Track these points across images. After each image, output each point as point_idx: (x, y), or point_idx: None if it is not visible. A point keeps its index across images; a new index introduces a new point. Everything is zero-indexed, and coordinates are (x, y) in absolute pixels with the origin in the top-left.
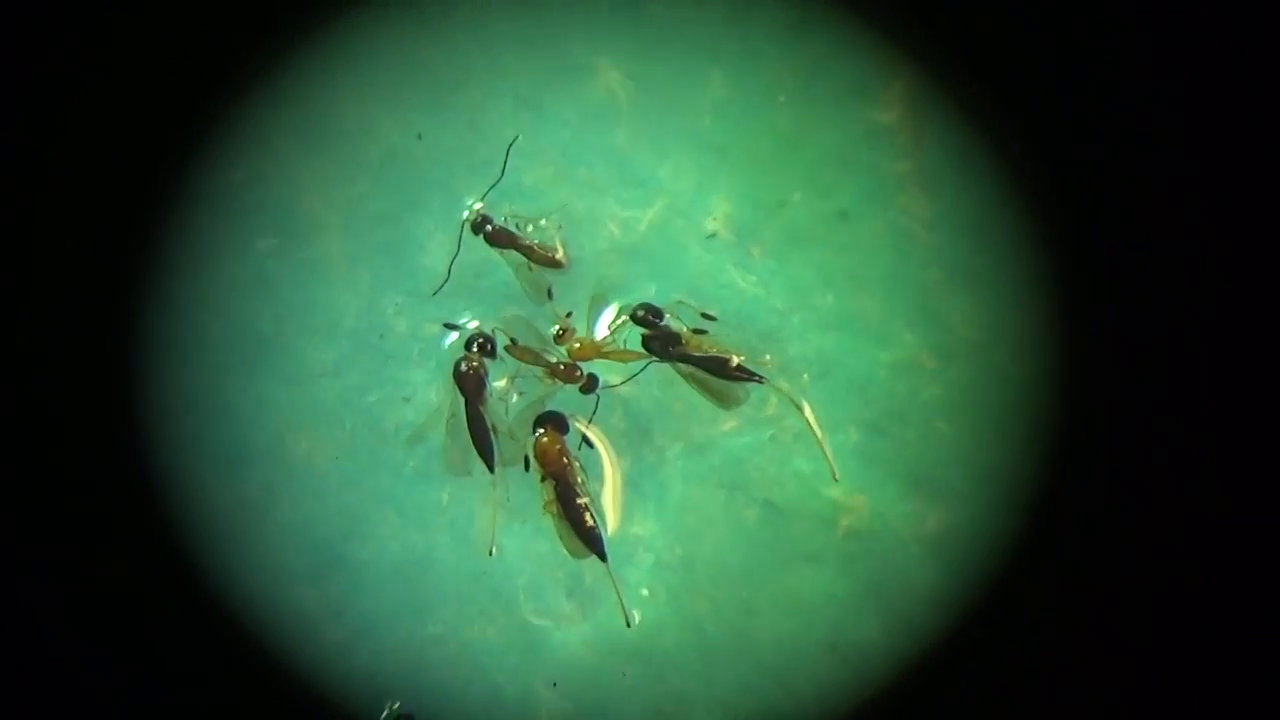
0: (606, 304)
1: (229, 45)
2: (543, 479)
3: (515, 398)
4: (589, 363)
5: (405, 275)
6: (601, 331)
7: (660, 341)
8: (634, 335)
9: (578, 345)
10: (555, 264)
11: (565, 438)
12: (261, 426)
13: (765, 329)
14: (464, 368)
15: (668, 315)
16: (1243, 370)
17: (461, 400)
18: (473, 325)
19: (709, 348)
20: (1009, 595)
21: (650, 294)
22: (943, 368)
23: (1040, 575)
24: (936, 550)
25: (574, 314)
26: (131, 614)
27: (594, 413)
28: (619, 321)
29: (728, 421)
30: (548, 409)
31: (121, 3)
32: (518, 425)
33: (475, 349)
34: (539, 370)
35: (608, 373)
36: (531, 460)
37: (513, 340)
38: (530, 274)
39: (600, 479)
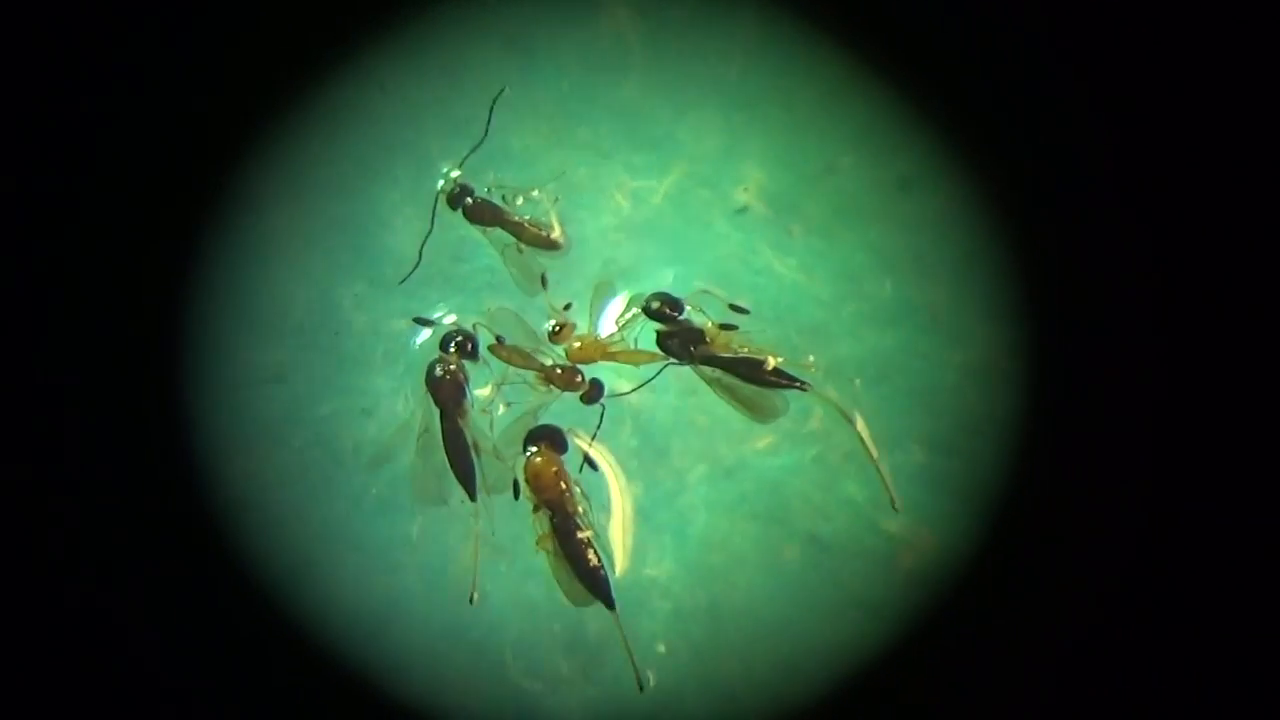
0: (614, 294)
1: None
2: (535, 509)
3: (501, 409)
4: (592, 366)
5: (366, 259)
6: (607, 328)
7: (679, 340)
8: (647, 332)
9: (578, 345)
10: (550, 245)
11: (563, 458)
12: (187, 445)
13: (809, 323)
14: (439, 373)
15: (688, 307)
16: None
17: (435, 413)
18: (449, 320)
19: (739, 347)
20: (1106, 645)
21: (667, 281)
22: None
23: (1142, 625)
24: (1017, 594)
25: (574, 306)
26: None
27: (598, 427)
28: (629, 315)
29: (762, 438)
30: (541, 423)
31: None
32: (504, 443)
33: (452, 350)
34: (530, 376)
35: (615, 378)
36: (522, 486)
37: (498, 339)
38: (520, 257)
39: (606, 509)
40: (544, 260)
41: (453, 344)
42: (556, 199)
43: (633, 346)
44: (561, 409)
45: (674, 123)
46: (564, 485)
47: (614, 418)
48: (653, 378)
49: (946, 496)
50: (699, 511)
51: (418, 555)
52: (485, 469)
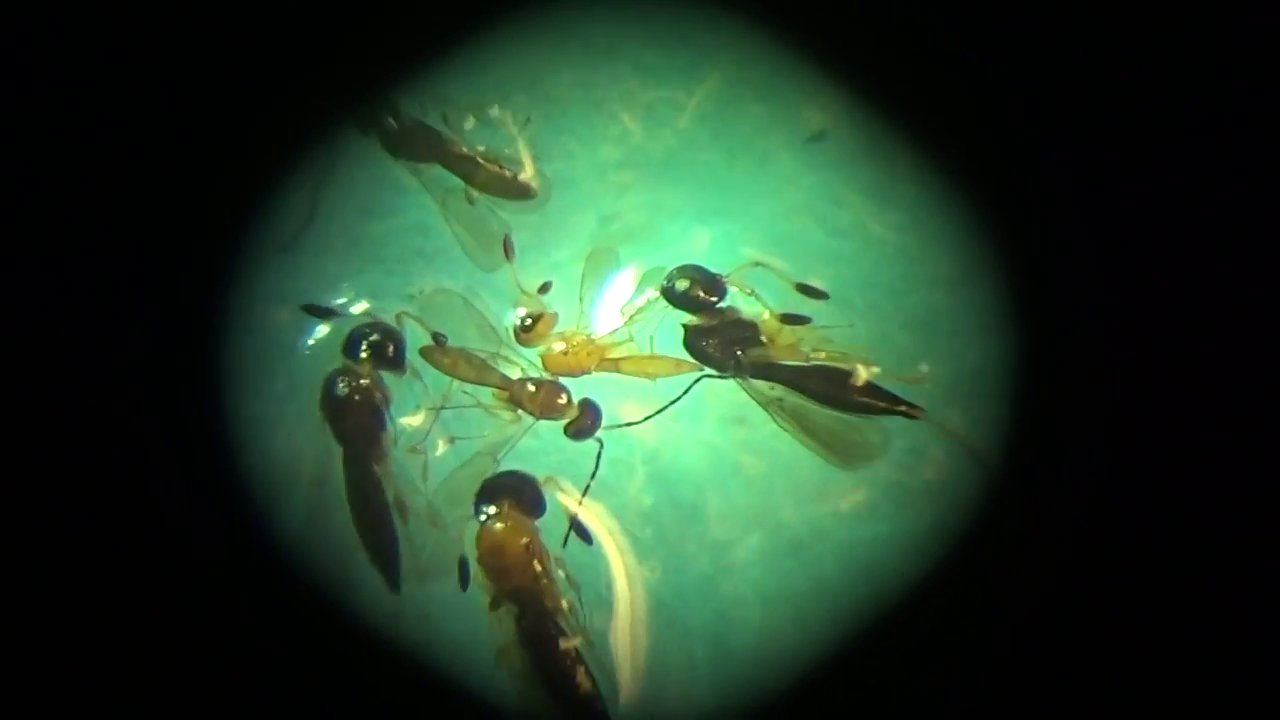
0: (617, 268)
1: None
2: (494, 605)
3: (441, 447)
4: (583, 380)
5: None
6: (608, 321)
7: (719, 340)
8: (670, 328)
9: (563, 347)
10: (518, 191)
11: (537, 525)
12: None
13: (921, 314)
14: (342, 391)
15: (733, 289)
16: None
17: (336, 452)
18: (359, 309)
19: (813, 351)
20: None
21: (700, 248)
22: None
23: None
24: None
25: (553, 285)
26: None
27: (593, 476)
28: (642, 302)
29: (849, 493)
30: (504, 470)
31: None
32: (446, 500)
33: (364, 355)
34: (487, 395)
35: (619, 399)
36: (473, 569)
37: (436, 338)
38: (470, 211)
39: (605, 603)
40: (507, 215)
41: (364, 346)
42: (528, 119)
43: (647, 350)
44: (536, 447)
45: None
46: (538, 567)
47: (618, 461)
48: (677, 399)
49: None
50: (750, 608)
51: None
52: (414, 540)
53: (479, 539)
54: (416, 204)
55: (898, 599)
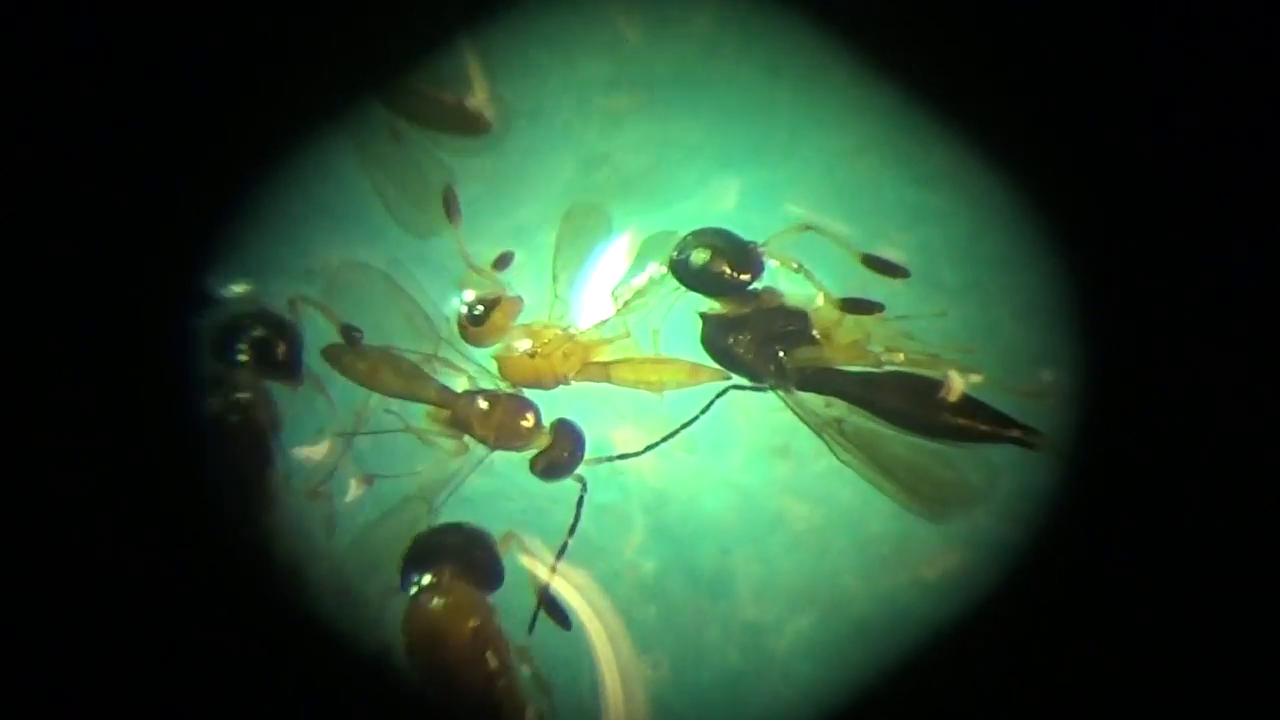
0: (605, 234)
1: None
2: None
3: (354, 490)
4: (555, 394)
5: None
6: (592, 309)
7: (754, 334)
8: (684, 317)
9: (529, 346)
10: (465, 121)
11: (491, 600)
12: None
13: (1042, 297)
14: (213, 408)
15: (771, 261)
16: None
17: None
18: (235, 293)
19: (886, 353)
20: None
21: (724, 202)
22: None
23: None
24: None
25: (514, 258)
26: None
27: (572, 530)
28: (641, 282)
29: (938, 556)
30: (443, 524)
31: None
32: (360, 566)
33: (243, 358)
34: (420, 413)
35: (608, 422)
36: (404, 656)
37: (349, 333)
38: (398, 152)
39: (589, 714)
40: (449, 158)
41: (242, 346)
42: (477, 20)
43: (649, 351)
44: (491, 489)
45: None
46: (493, 661)
47: (609, 510)
48: (692, 422)
49: None
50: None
51: None
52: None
53: (408, 620)
54: (319, 142)
55: (1005, 709)
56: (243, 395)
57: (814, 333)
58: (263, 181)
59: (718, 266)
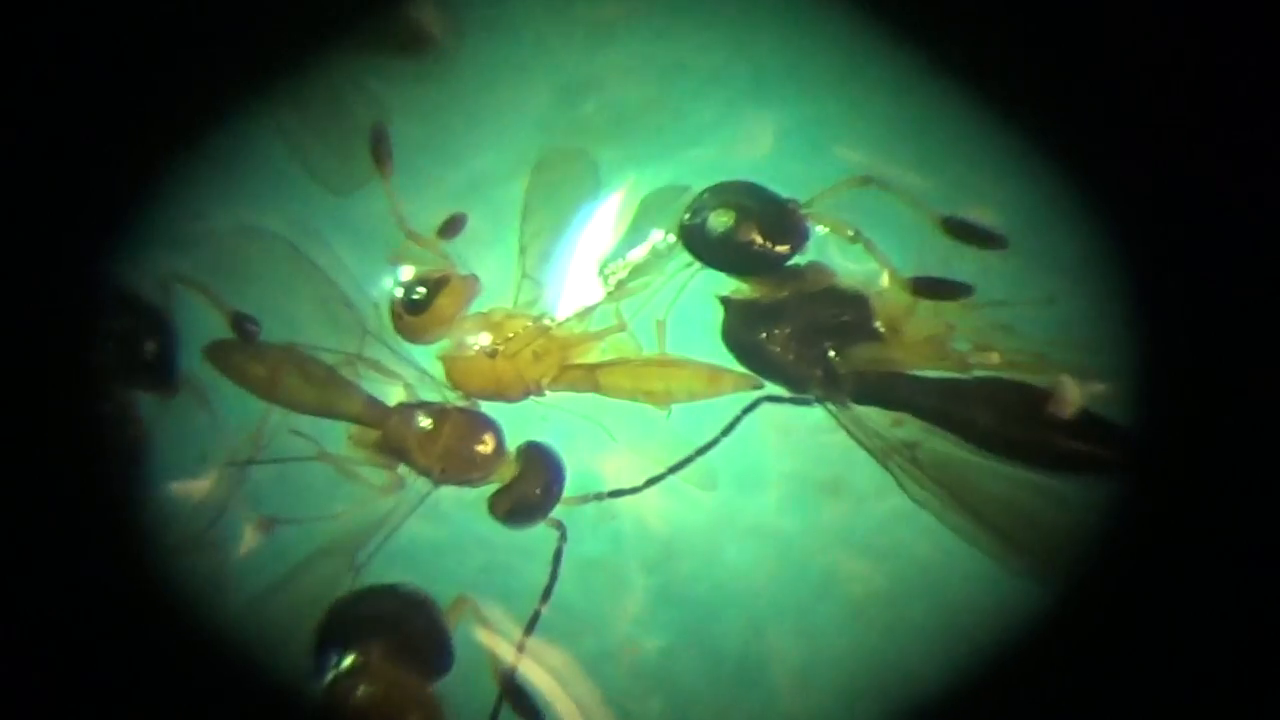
0: (591, 189)
1: None
2: None
3: (250, 539)
4: (521, 405)
5: None
6: (574, 293)
7: (794, 326)
8: (699, 303)
9: (487, 341)
10: (404, 38)
11: (432, 688)
12: None
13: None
14: (67, 420)
15: (817, 228)
16: None
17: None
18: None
19: (976, 352)
20: None
21: (754, 148)
22: None
23: None
24: None
25: (467, 221)
26: None
27: (546, 593)
28: (640, 255)
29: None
30: (370, 585)
31: None
32: (259, 640)
33: (103, 354)
34: (339, 434)
35: (591, 444)
36: None
37: (242, 325)
38: (317, 81)
39: None
40: (380, 88)
41: (99, 341)
42: None
43: (650, 349)
44: (436, 539)
45: None
46: None
47: (598, 566)
48: (709, 447)
49: None
50: None
51: None
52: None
53: (324, 717)
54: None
55: None
56: (101, 407)
57: (876, 325)
58: (130, 119)
59: (745, 234)
